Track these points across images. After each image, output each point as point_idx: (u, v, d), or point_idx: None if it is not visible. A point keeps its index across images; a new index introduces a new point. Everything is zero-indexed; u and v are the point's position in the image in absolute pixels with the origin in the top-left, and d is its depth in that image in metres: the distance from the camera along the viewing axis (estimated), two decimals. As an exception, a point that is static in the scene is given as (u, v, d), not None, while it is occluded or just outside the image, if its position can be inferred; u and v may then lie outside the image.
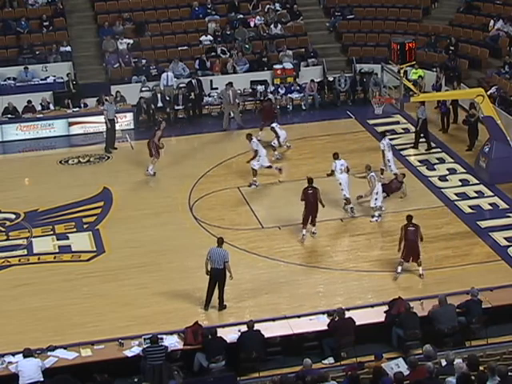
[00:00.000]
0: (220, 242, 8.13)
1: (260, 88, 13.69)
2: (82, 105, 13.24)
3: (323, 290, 8.49)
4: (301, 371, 6.56)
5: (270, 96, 12.74)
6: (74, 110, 13.07)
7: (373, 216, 9.67)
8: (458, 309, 7.59)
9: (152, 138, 11.20)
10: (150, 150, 11.15)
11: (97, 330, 7.77)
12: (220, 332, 7.37)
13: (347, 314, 7.48)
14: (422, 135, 11.67)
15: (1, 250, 9.49)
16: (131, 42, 14.36)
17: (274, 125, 11.70)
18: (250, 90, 13.84)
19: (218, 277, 7.99)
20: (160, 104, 13.28)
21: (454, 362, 6.18)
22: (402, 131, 12.64)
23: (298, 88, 13.75)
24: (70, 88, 13.49)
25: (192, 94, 13.28)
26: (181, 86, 13.67)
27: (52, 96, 13.33)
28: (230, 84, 12.89)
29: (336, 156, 9.98)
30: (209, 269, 7.99)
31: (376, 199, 9.62)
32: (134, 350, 7.29)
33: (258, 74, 14.03)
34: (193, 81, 13.46)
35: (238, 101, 12.83)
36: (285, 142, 11.71)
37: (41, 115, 12.91)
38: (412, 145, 11.77)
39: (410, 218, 8.56)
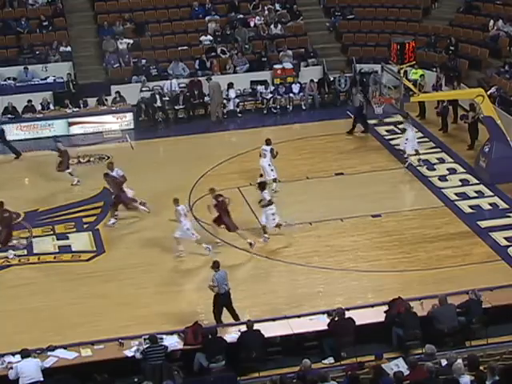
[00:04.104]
0: (216, 265, 7.69)
1: (260, 88, 13.64)
2: (82, 104, 13.16)
3: (323, 290, 8.46)
4: (301, 371, 6.53)
5: None
6: (74, 110, 13.02)
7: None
8: (459, 309, 7.56)
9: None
10: None
11: (97, 330, 7.73)
12: (220, 332, 7.35)
13: (347, 314, 7.44)
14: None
15: (1, 249, 9.47)
16: (131, 42, 14.31)
17: None
18: (250, 90, 13.81)
19: (228, 299, 7.70)
20: (159, 104, 13.24)
21: (456, 362, 6.15)
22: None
23: (298, 88, 13.67)
24: (70, 88, 13.44)
25: (194, 94, 13.23)
26: (181, 86, 13.63)
27: (52, 96, 13.28)
28: (209, 78, 12.93)
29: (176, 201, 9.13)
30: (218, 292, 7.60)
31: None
32: (132, 350, 7.23)
33: (258, 74, 13.99)
34: (194, 80, 13.41)
35: (216, 97, 12.59)
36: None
37: (40, 115, 12.88)
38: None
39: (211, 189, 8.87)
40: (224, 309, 7.75)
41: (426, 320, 7.46)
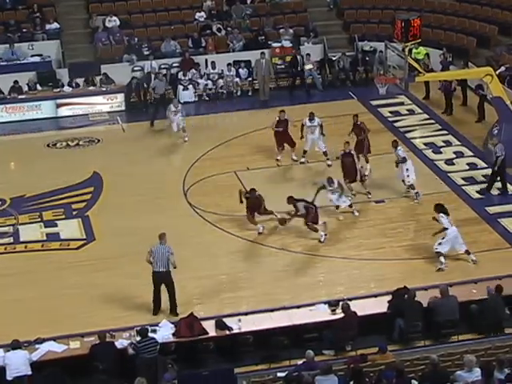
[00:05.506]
0: (161, 236, 7.37)
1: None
2: (74, 84, 12.62)
3: (324, 279, 8.17)
4: (303, 364, 6.30)
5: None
6: (66, 88, 12.43)
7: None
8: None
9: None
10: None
11: (87, 322, 7.45)
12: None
13: (350, 305, 7.14)
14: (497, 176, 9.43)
15: (-15, 238, 9.13)
16: (117, 20, 13.57)
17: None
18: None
19: (162, 280, 7.33)
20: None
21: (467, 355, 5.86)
22: (407, 112, 12.21)
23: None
24: (60, 67, 12.95)
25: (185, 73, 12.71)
26: (174, 65, 13.12)
27: (36, 76, 12.71)
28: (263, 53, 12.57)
29: (396, 144, 9.46)
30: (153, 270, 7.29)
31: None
32: (124, 343, 6.97)
33: (255, 53, 13.38)
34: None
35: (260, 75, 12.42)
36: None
37: (27, 96, 12.38)
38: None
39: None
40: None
41: (428, 310, 7.20)
